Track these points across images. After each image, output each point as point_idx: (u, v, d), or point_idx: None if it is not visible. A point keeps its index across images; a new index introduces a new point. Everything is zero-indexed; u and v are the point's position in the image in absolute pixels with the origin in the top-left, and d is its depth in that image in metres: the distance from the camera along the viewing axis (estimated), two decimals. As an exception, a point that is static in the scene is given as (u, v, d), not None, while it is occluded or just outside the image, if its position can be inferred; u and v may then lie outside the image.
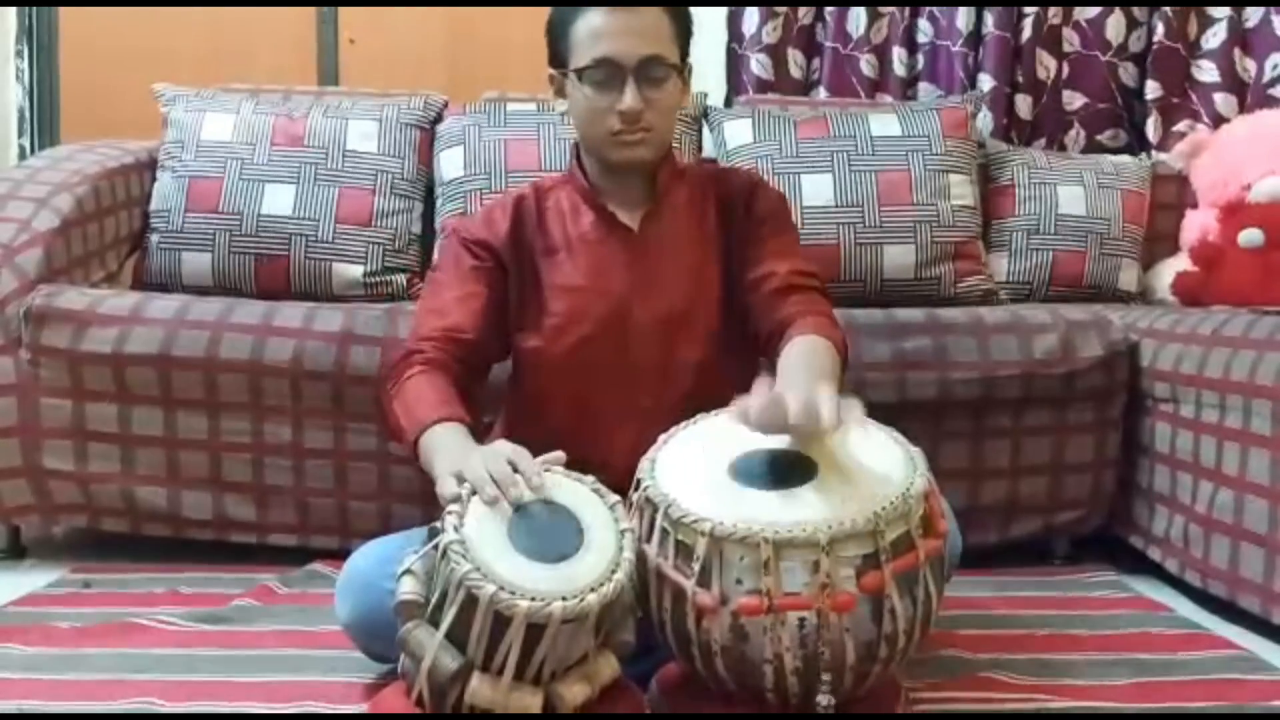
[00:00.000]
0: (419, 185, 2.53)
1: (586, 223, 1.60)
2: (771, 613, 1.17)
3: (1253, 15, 2.88)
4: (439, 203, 2.51)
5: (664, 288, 1.57)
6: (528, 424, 1.58)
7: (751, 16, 2.93)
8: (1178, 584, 1.98)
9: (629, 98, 1.49)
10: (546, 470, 1.26)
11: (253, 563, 2.05)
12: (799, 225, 1.86)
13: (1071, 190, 2.62)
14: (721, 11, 2.94)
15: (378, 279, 2.42)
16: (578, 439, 1.31)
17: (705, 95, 2.72)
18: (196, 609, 1.79)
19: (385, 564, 1.35)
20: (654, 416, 1.44)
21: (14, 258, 2.10)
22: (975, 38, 2.89)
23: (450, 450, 1.34)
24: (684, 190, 1.63)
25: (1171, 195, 2.76)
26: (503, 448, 1.28)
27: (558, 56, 1.56)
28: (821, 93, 2.94)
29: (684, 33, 1.56)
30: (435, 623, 1.18)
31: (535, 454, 1.28)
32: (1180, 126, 2.91)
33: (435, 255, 2.41)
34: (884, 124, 2.54)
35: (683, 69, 1.56)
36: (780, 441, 1.27)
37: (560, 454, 1.30)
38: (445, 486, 1.26)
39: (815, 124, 2.55)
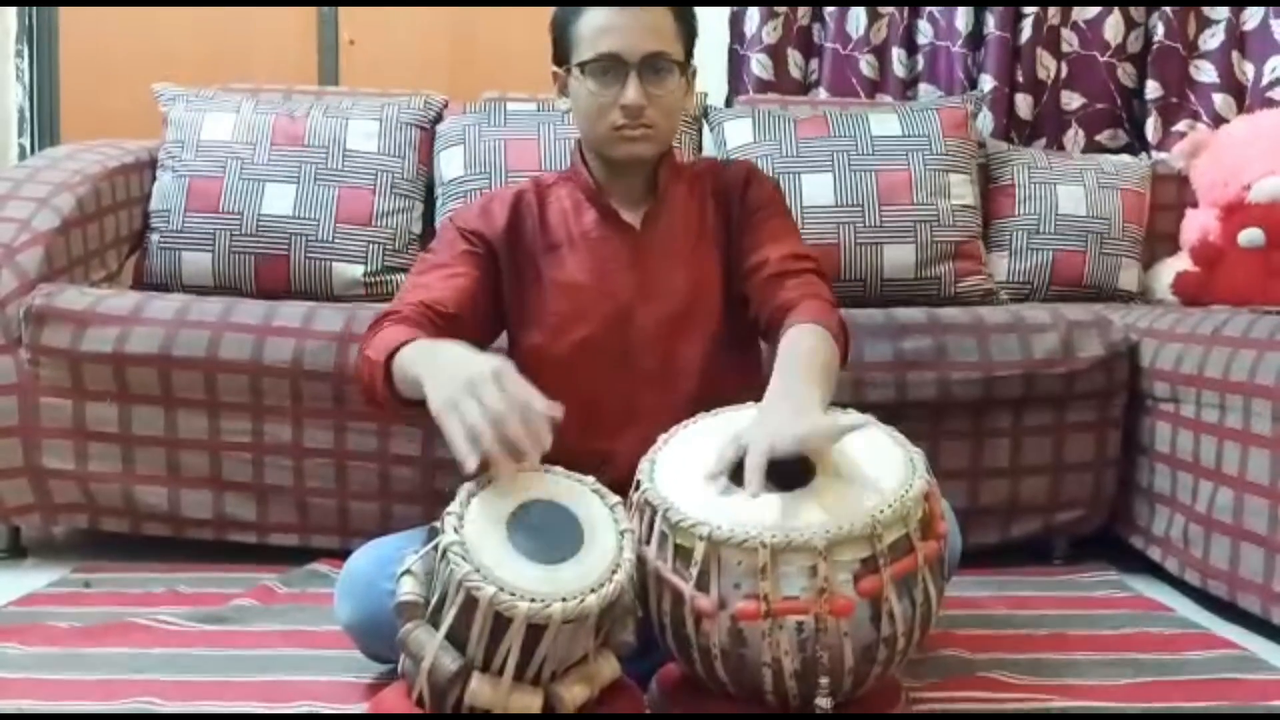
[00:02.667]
0: (419, 185, 2.52)
1: (589, 220, 1.60)
2: (769, 617, 1.16)
3: (1251, 19, 2.88)
4: (439, 202, 2.51)
5: (666, 288, 1.57)
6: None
7: (752, 17, 2.93)
8: (1178, 584, 1.98)
9: (631, 92, 1.49)
10: (547, 471, 1.26)
11: (253, 562, 2.05)
12: (799, 225, 1.85)
13: (1071, 190, 2.62)
14: (723, 12, 2.94)
15: (378, 279, 2.41)
16: (580, 438, 1.30)
17: (705, 95, 2.72)
18: (196, 609, 1.79)
19: (385, 564, 1.34)
20: (656, 416, 1.44)
21: (14, 257, 2.10)
22: (975, 38, 2.89)
23: (434, 359, 1.31)
24: (683, 187, 1.64)
25: (1171, 195, 2.76)
26: (513, 387, 1.22)
27: (561, 53, 1.57)
28: (821, 93, 2.94)
29: (688, 33, 1.57)
30: (435, 623, 1.18)
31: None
32: (1180, 126, 2.91)
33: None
34: (884, 124, 2.54)
35: (686, 68, 1.56)
36: None
37: (559, 406, 1.23)
38: (444, 415, 1.22)
39: (815, 124, 2.55)
